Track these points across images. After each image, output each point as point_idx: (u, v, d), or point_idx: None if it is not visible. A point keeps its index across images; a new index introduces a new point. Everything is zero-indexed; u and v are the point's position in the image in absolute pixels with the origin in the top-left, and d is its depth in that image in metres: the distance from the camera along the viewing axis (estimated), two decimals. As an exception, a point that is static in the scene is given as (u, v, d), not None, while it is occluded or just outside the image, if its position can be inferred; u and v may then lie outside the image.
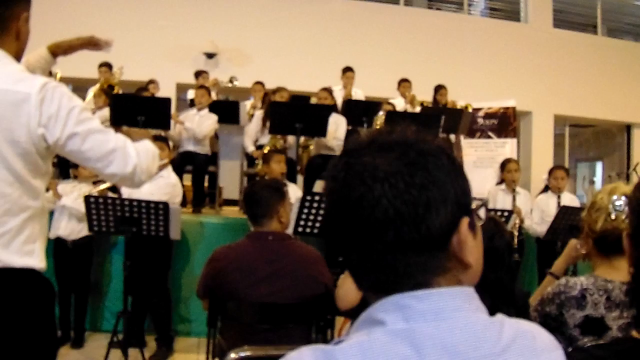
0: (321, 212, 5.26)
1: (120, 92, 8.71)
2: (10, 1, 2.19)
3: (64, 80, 10.10)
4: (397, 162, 0.95)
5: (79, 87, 11.51)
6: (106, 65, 9.23)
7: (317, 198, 5.33)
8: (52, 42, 2.70)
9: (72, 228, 6.05)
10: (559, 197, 7.37)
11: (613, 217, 2.27)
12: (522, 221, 7.11)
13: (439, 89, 10.14)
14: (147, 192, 5.84)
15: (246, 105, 9.34)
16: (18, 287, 2.15)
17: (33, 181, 2.18)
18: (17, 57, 2.27)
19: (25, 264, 2.15)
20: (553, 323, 2.38)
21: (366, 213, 0.94)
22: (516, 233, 6.79)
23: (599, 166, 17.36)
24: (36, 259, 2.19)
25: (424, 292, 0.95)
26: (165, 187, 5.96)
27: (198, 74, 10.14)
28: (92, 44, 2.81)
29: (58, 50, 2.70)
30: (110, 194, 5.82)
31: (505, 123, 11.22)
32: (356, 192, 0.95)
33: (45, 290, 2.27)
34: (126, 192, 5.96)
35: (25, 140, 2.09)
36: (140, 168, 2.29)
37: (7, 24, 2.20)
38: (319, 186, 6.89)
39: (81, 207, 5.65)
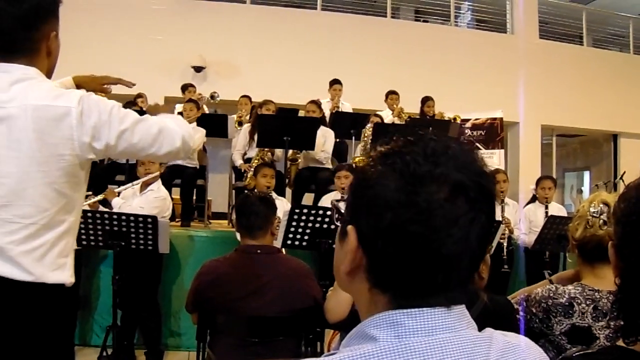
0: (309, 225, 5.27)
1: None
2: (40, 23, 2.23)
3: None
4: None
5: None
6: (139, 97, 9.22)
7: (305, 211, 5.32)
8: (77, 75, 2.76)
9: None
10: (546, 207, 7.41)
11: (590, 224, 2.32)
12: (510, 232, 7.14)
13: (426, 100, 10.19)
14: (137, 205, 5.85)
15: (234, 118, 9.33)
16: (48, 303, 2.20)
17: (72, 194, 2.25)
18: (49, 73, 2.34)
19: (57, 279, 2.20)
20: (537, 324, 2.40)
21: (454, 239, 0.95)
22: (505, 244, 6.81)
23: (586, 175, 17.45)
24: (67, 274, 2.26)
25: (417, 310, 0.96)
26: (155, 200, 5.97)
27: (184, 87, 10.14)
28: (115, 83, 2.88)
29: (82, 84, 2.73)
30: (101, 208, 5.81)
31: (493, 134, 11.28)
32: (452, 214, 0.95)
33: (71, 307, 2.37)
34: (117, 205, 5.96)
35: (69, 152, 2.16)
36: (188, 136, 2.41)
37: (38, 45, 2.25)
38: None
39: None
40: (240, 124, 9.05)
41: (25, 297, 2.15)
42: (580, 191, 17.06)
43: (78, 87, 2.70)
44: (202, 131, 3.96)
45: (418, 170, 0.95)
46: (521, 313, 2.47)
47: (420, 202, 0.93)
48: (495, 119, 11.40)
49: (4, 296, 2.12)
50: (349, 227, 1.02)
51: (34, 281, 2.14)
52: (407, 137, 1.02)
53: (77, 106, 2.15)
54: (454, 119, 9.99)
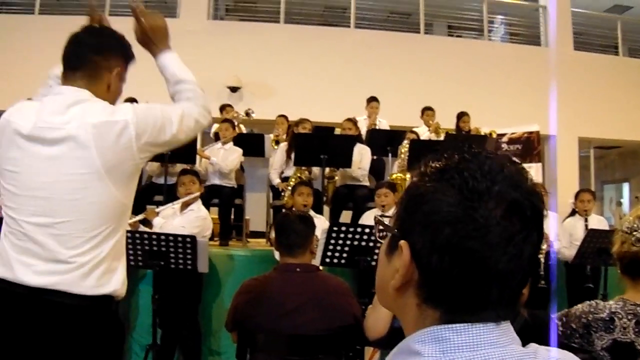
0: (348, 242, 5.28)
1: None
2: (105, 51, 2.44)
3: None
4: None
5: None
6: (132, 101, 9.34)
7: (343, 229, 5.33)
8: None
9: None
10: (586, 220, 7.34)
11: (623, 240, 2.31)
12: (549, 246, 7.06)
13: (462, 115, 10.13)
14: (179, 225, 5.90)
15: (270, 137, 9.39)
16: (104, 312, 2.36)
17: (128, 203, 2.44)
18: None
19: (112, 289, 2.36)
20: (578, 340, 2.38)
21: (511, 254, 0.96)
22: (542, 259, 6.74)
23: (625, 187, 17.24)
24: (120, 283, 2.41)
25: (462, 325, 0.97)
26: (196, 220, 6.03)
27: (223, 107, 10.21)
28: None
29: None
30: (142, 227, 5.87)
31: (530, 148, 11.19)
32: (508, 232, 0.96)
33: (119, 322, 2.52)
34: (157, 225, 6.02)
35: (130, 162, 2.33)
36: (207, 112, 2.64)
37: (100, 72, 2.43)
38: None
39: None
40: (277, 142, 9.09)
41: (83, 308, 2.27)
42: (619, 203, 16.87)
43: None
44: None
45: (477, 187, 0.96)
46: (559, 328, 2.45)
47: (478, 218, 0.94)
48: (531, 132, 11.31)
49: (65, 308, 2.24)
50: (402, 242, 1.02)
51: (94, 294, 2.28)
52: (462, 154, 1.02)
53: (133, 117, 2.30)
54: (490, 134, 9.95)
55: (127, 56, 2.53)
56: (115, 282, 2.37)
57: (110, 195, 2.30)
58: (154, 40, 2.64)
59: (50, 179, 2.26)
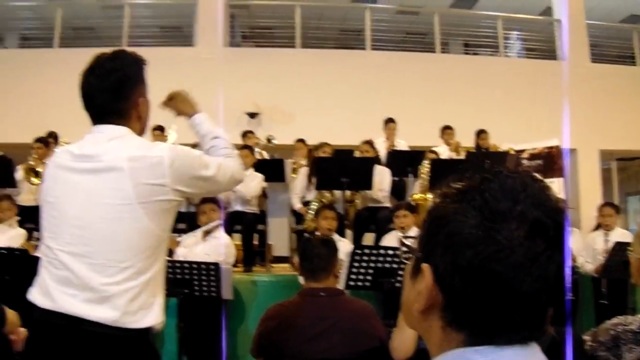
0: (372, 265, 5.26)
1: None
2: (127, 92, 2.51)
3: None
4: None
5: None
6: (159, 129, 9.45)
7: (367, 251, 5.32)
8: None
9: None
10: (606, 234, 7.30)
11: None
12: (573, 260, 7.02)
13: (481, 133, 10.14)
14: (202, 253, 5.93)
15: (290, 162, 9.41)
16: (140, 345, 2.37)
17: (163, 235, 2.47)
18: (141, 134, 2.59)
19: (149, 322, 2.37)
20: (604, 353, 2.36)
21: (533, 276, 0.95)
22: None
23: (650, 198, 17.10)
24: (157, 316, 2.42)
25: (488, 348, 0.96)
26: (219, 247, 6.04)
27: (244, 134, 10.27)
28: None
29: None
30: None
31: (551, 163, 11.11)
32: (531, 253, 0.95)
33: (156, 353, 2.56)
34: (181, 254, 6.05)
35: (163, 197, 2.38)
36: (241, 172, 2.77)
37: (129, 113, 2.52)
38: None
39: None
40: (295, 170, 9.13)
41: (121, 338, 2.29)
42: (644, 214, 16.73)
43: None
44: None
45: (498, 207, 0.95)
46: (588, 344, 2.43)
47: (500, 239, 0.93)
48: (552, 147, 11.24)
49: (102, 338, 2.27)
50: (424, 265, 1.01)
51: (129, 326, 2.29)
52: (482, 174, 1.02)
53: (168, 155, 2.38)
54: (507, 151, 9.95)
55: (142, 76, 2.60)
56: (153, 315, 2.40)
57: (144, 227, 2.34)
58: (185, 108, 2.93)
59: (86, 209, 2.33)
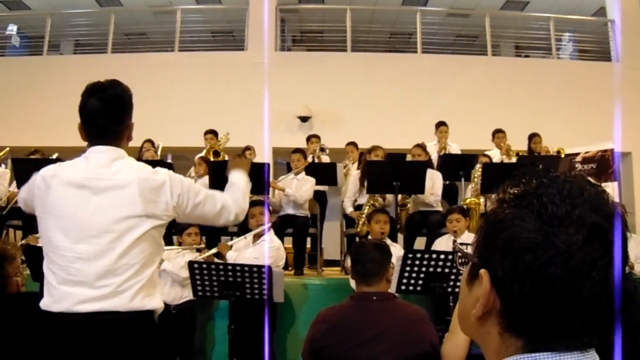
0: (423, 269, 5.23)
1: (226, 158, 9.02)
2: (125, 117, 2.94)
3: (165, 149, 10.50)
4: None
5: (181, 155, 11.92)
6: (212, 133, 9.53)
7: (418, 256, 5.29)
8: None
9: (175, 293, 6.22)
10: (659, 238, 7.18)
11: None
12: (631, 267, 6.89)
13: (533, 137, 10.02)
14: (251, 256, 5.97)
15: (342, 166, 9.40)
16: (146, 326, 2.83)
17: (160, 241, 2.97)
18: (126, 150, 3.01)
19: (153, 305, 2.84)
20: None
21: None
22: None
23: None
24: (158, 301, 2.89)
25: (546, 354, 0.95)
26: (269, 250, 6.07)
27: (308, 138, 10.32)
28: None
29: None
30: (216, 260, 5.95)
31: (604, 166, 10.91)
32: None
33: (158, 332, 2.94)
34: (231, 258, 6.09)
35: (163, 213, 2.86)
36: (240, 211, 3.19)
37: (122, 135, 2.95)
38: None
39: (181, 273, 5.92)
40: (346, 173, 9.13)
41: (133, 320, 2.76)
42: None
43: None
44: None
45: (556, 212, 0.94)
46: None
47: (559, 243, 0.92)
48: (605, 150, 11.03)
49: (118, 321, 2.72)
50: (482, 271, 1.00)
51: (138, 309, 2.76)
52: (540, 178, 1.01)
53: (168, 180, 2.89)
54: (558, 152, 9.81)
55: (132, 103, 2.99)
56: (155, 300, 2.86)
57: (149, 235, 2.82)
58: (239, 168, 3.42)
59: (99, 221, 2.74)
